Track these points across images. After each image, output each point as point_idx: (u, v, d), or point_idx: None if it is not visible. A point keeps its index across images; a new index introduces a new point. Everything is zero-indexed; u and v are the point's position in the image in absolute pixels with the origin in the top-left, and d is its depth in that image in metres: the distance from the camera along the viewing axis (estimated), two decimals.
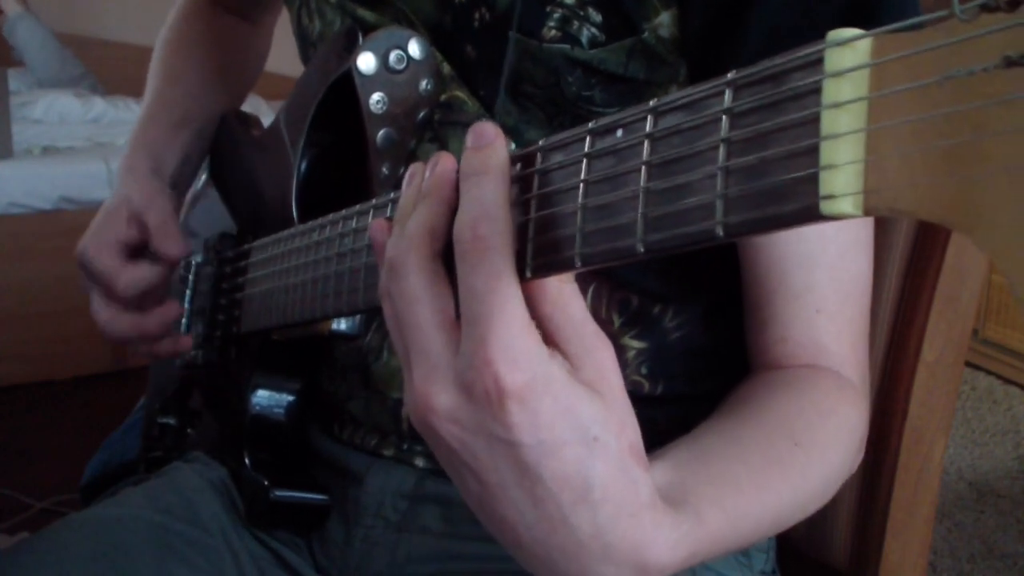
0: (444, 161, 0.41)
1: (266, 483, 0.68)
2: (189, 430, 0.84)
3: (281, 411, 0.73)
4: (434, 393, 0.38)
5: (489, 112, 0.64)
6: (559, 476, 0.37)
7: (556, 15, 0.59)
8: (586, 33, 0.59)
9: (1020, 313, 2.57)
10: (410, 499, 0.68)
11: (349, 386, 0.71)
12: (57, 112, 2.99)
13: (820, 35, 0.52)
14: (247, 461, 0.70)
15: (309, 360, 0.73)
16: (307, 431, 0.75)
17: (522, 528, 0.39)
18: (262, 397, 0.72)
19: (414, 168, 0.43)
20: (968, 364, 2.50)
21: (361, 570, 0.69)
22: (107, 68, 3.40)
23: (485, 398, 0.36)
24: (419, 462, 0.69)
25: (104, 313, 0.77)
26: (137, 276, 0.76)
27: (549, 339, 0.37)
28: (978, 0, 0.24)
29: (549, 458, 0.37)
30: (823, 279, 0.58)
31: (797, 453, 0.50)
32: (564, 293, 0.38)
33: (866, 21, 0.51)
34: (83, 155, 2.74)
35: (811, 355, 0.58)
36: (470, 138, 0.39)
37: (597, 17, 0.59)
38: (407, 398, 0.40)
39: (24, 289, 2.57)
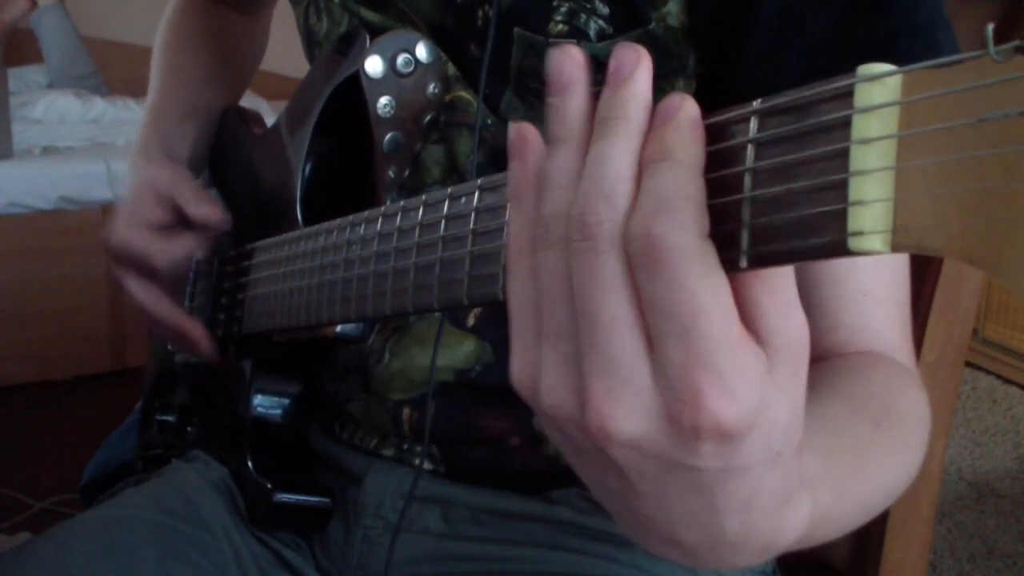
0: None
1: (269, 486, 0.68)
2: (189, 428, 0.84)
3: (282, 413, 0.72)
4: (619, 417, 0.30)
5: (495, 111, 0.64)
6: (731, 491, 0.32)
7: (563, 9, 0.59)
8: (594, 26, 0.59)
9: (1021, 313, 2.57)
10: (410, 499, 0.69)
11: (349, 387, 0.71)
12: (57, 112, 2.99)
13: (833, 14, 0.52)
14: (249, 463, 0.70)
15: (310, 361, 0.73)
16: (308, 432, 0.75)
17: (660, 525, 0.34)
18: (263, 400, 0.72)
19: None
20: (968, 364, 2.49)
21: (361, 570, 0.69)
22: (107, 68, 3.40)
23: (692, 433, 0.30)
24: (419, 462, 0.69)
25: (142, 293, 0.75)
26: (173, 247, 0.75)
27: (750, 323, 0.30)
28: (1013, 43, 0.23)
29: (730, 480, 0.31)
30: (867, 261, 0.54)
31: (879, 434, 0.46)
32: (775, 271, 0.31)
33: (877, 7, 0.51)
34: (83, 155, 2.74)
35: (865, 341, 0.55)
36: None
37: (605, 9, 0.58)
38: (559, 403, 0.32)
39: (24, 289, 2.56)
